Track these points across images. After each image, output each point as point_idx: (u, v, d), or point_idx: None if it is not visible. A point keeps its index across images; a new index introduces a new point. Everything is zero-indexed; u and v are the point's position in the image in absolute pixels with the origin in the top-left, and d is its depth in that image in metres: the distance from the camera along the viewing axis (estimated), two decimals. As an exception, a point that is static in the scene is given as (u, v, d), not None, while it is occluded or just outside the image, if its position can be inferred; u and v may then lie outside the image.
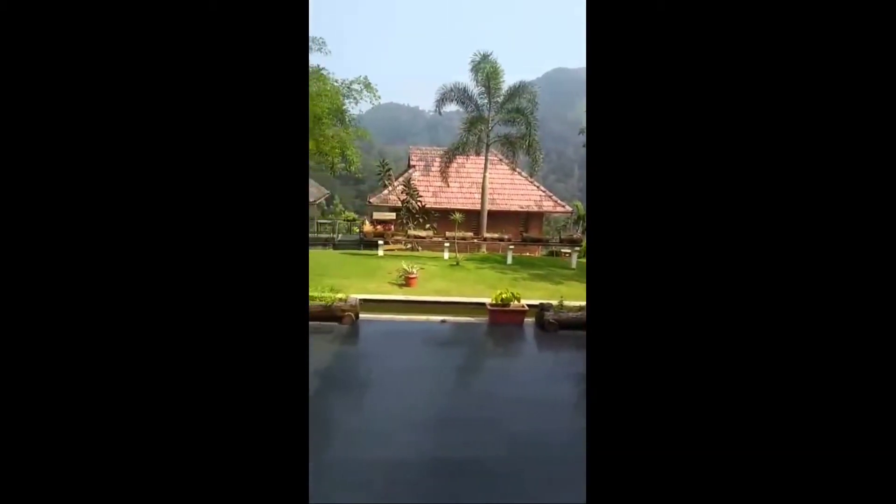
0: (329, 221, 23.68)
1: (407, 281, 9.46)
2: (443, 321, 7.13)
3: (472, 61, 15.23)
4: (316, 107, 9.73)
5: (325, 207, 25.84)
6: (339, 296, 6.88)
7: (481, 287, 9.34)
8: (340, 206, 27.52)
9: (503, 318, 7.11)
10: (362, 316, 6.87)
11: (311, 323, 6.55)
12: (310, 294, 6.74)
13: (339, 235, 21.57)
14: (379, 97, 11.46)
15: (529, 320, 7.14)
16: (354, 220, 24.82)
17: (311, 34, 10.56)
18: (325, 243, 19.09)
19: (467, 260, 12.93)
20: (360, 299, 7.11)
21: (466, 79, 15.84)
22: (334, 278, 9.29)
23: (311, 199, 17.92)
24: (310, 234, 18.44)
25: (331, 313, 6.65)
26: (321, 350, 5.65)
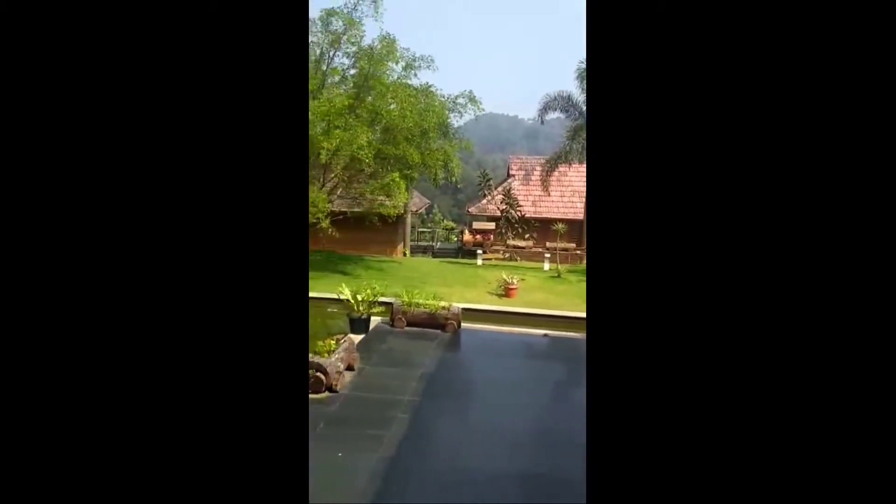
0: (429, 230, 24.52)
1: (507, 292, 9.42)
2: (545, 335, 6.98)
3: (577, 69, 14.81)
4: (424, 121, 10.16)
5: (425, 216, 26.85)
6: (443, 304, 7.07)
7: (584, 301, 8.96)
8: (439, 215, 28.38)
9: (610, 336, 6.73)
10: (464, 325, 6.99)
11: (415, 329, 6.83)
12: (415, 301, 7.03)
13: (438, 244, 22.23)
14: (483, 109, 11.62)
15: (639, 340, 6.68)
16: (452, 228, 25.40)
17: (419, 53, 11.11)
18: (425, 251, 19.79)
19: (569, 272, 12.51)
20: (462, 308, 7.24)
21: (570, 86, 15.44)
22: (435, 286, 9.58)
23: (413, 209, 18.73)
24: (410, 242, 19.24)
25: (435, 321, 6.86)
26: (427, 356, 5.85)
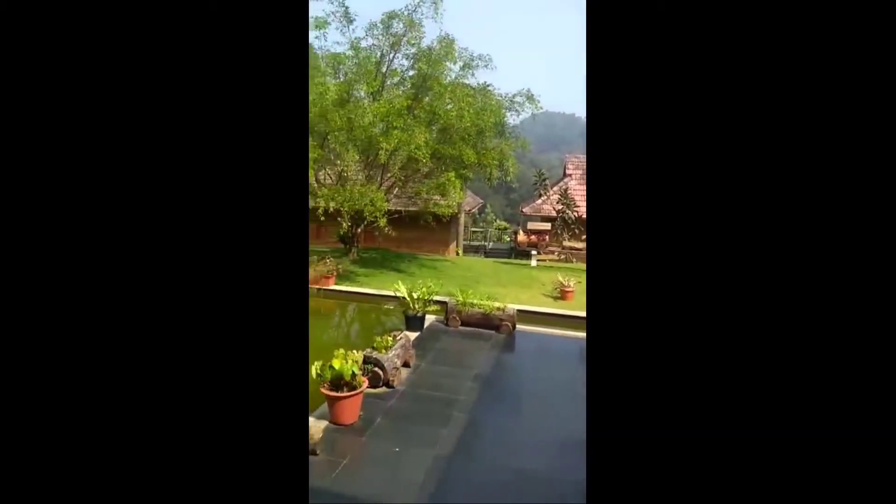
0: (481, 230, 24.46)
1: (562, 294, 9.20)
2: (603, 340, 6.73)
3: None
4: (480, 121, 10.13)
5: (477, 216, 26.80)
6: (497, 304, 7.01)
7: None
8: (492, 215, 28.23)
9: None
10: (518, 326, 6.90)
11: (469, 328, 6.82)
12: (470, 300, 7.03)
13: (490, 244, 22.11)
14: (541, 108, 11.41)
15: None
16: (505, 228, 25.19)
17: (478, 52, 11.08)
18: (477, 250, 19.76)
19: (627, 276, 12.00)
20: (516, 309, 7.15)
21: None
22: (489, 286, 9.53)
23: (466, 209, 18.77)
24: (463, 242, 19.29)
25: (489, 321, 6.82)
26: (482, 356, 5.83)
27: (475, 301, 7.04)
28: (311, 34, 10.54)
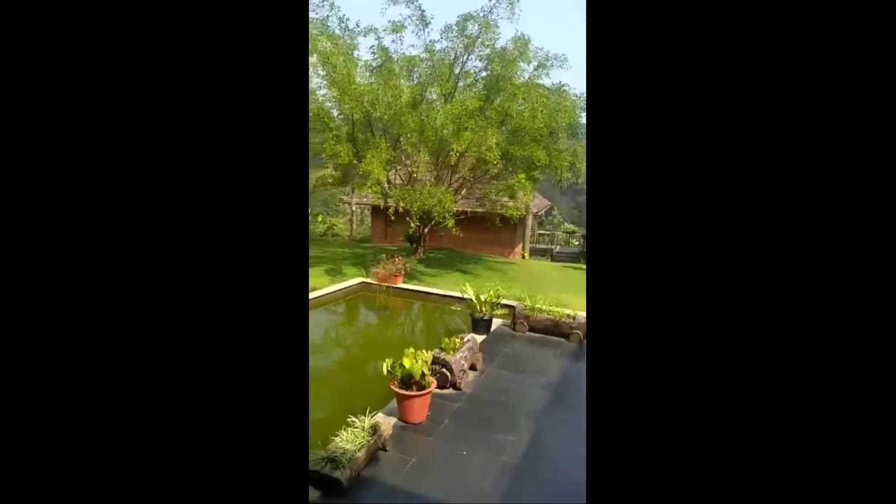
0: (548, 232, 23.89)
1: (636, 304, 8.72)
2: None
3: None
4: (553, 121, 9.89)
5: (544, 218, 26.19)
6: (568, 312, 6.79)
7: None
8: (559, 217, 27.51)
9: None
10: (589, 335, 6.63)
11: (537, 335, 6.67)
12: (538, 307, 6.86)
13: (557, 247, 21.53)
14: (618, 107, 10.93)
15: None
16: (573, 232, 24.40)
17: (553, 52, 10.81)
18: (543, 254, 19.31)
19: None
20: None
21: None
22: (557, 292, 9.26)
23: (533, 210, 18.39)
24: (529, 244, 18.94)
25: (558, 328, 6.62)
26: (551, 364, 5.67)
27: (544, 307, 6.86)
28: (388, 38, 10.85)
